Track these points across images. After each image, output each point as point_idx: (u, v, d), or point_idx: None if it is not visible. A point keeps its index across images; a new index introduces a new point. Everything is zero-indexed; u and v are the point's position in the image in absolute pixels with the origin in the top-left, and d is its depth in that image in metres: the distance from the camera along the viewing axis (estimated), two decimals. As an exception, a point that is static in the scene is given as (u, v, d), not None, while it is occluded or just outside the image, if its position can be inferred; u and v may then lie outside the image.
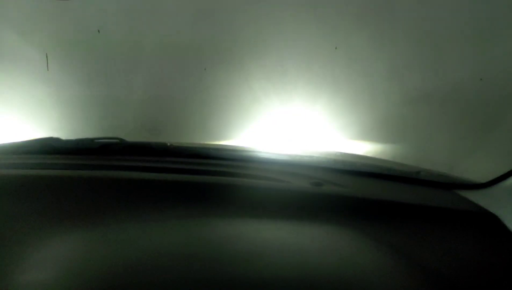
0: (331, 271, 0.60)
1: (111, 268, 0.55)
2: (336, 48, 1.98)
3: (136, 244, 0.61)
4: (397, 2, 1.93)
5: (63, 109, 2.02)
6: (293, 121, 2.02)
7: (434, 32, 1.96)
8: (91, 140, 1.07)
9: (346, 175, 1.05)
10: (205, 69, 1.99)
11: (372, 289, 0.57)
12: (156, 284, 0.52)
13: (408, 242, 0.72)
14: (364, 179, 1.04)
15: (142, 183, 0.83)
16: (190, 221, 0.70)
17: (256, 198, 0.81)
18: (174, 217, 0.70)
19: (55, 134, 1.11)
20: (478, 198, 0.88)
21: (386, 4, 1.93)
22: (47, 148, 1.04)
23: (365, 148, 2.02)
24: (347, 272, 0.60)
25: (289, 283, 0.56)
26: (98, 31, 1.97)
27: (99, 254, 0.58)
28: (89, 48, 1.99)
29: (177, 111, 2.01)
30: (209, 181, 0.87)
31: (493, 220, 0.80)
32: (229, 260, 0.59)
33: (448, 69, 1.98)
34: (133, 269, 0.54)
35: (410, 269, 0.63)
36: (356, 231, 0.72)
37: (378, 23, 1.95)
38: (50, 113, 2.03)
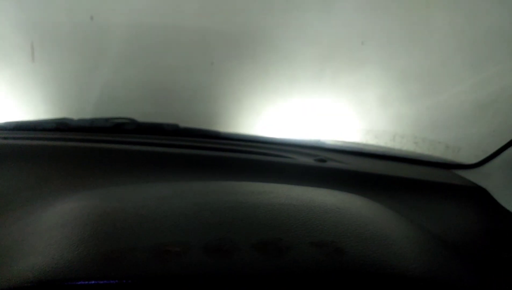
0: (347, 226, 0.58)
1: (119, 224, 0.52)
2: (362, 43, 1.75)
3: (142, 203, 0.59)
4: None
5: (49, 104, 1.80)
6: (311, 121, 1.78)
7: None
8: (105, 119, 1.14)
9: (349, 155, 1.11)
10: (212, 63, 1.76)
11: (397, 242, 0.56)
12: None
13: (410, 211, 0.77)
14: (366, 158, 1.11)
15: (152, 155, 0.86)
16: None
17: (260, 171, 0.84)
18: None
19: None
20: (471, 176, 1.01)
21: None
22: (62, 126, 1.08)
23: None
24: (366, 228, 0.58)
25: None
26: (91, 18, 1.75)
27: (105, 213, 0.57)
28: (80, 37, 1.77)
29: (180, 110, 1.77)
30: (217, 155, 0.92)
31: (483, 194, 0.92)
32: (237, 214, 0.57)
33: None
34: (138, 226, 0.52)
35: (419, 231, 0.64)
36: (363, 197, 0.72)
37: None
38: (37, 109, 1.79)
